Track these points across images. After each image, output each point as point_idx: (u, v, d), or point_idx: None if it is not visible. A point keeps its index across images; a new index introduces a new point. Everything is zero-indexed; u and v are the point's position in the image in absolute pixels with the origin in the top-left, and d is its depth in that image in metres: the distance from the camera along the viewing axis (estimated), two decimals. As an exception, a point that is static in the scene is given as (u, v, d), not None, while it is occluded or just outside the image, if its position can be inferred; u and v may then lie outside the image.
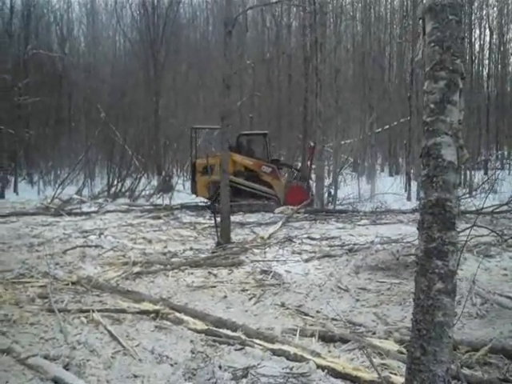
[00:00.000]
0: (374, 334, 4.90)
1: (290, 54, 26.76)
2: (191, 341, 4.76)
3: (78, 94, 30.66)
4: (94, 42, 34.44)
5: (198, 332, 4.94)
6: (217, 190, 15.03)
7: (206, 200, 16.03)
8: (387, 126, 26.01)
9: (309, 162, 16.39)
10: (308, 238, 9.98)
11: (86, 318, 5.38)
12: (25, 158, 26.85)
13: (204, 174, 15.58)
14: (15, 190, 23.06)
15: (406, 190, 18.04)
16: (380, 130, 24.49)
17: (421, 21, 2.98)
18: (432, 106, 2.83)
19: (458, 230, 2.89)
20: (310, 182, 16.19)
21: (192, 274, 7.42)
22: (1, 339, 4.77)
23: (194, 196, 16.69)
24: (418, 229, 2.95)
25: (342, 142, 21.14)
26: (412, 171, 18.89)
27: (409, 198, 16.86)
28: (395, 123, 25.92)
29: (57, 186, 19.55)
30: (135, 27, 31.48)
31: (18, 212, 15.05)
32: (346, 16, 27.10)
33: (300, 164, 20.68)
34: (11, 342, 4.68)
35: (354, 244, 9.15)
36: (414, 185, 17.72)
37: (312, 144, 16.48)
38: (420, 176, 2.97)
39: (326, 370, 4.01)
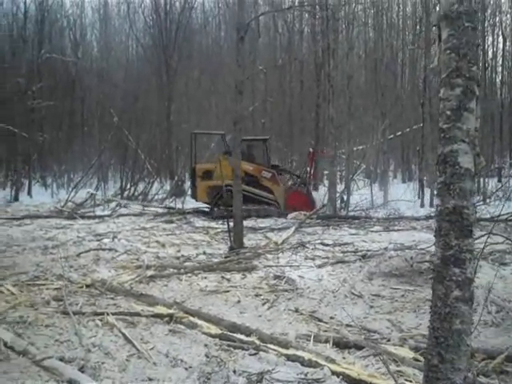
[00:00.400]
0: (389, 340, 4.89)
1: (302, 60, 26.79)
2: (205, 345, 4.78)
3: (90, 98, 30.87)
4: (106, 46, 34.65)
5: (212, 336, 4.95)
6: (216, 195, 15.09)
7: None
8: (400, 133, 25.90)
9: (308, 168, 16.37)
10: (321, 243, 9.97)
11: (100, 320, 5.42)
12: (38, 162, 27.03)
13: (204, 179, 15.63)
14: (29, 193, 23.22)
15: (419, 197, 17.96)
16: (392, 136, 24.40)
17: (435, 28, 2.99)
18: (448, 112, 2.83)
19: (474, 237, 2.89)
20: (321, 187, 16.19)
21: (205, 278, 7.44)
22: (17, 341, 4.80)
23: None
24: (434, 236, 2.94)
25: (355, 149, 21.10)
26: (425, 178, 18.80)
27: (422, 205, 16.78)
28: (408, 130, 25.81)
29: (70, 189, 19.69)
30: (148, 32, 31.63)
31: (32, 215, 15.19)
32: (358, 22, 27.08)
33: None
34: (27, 344, 4.71)
35: (368, 250, 9.13)
36: (427, 191, 17.63)
37: (311, 150, 16.48)
38: (436, 183, 2.97)
39: (340, 377, 4.02)
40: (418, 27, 26.39)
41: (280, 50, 29.77)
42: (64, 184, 25.66)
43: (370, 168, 24.38)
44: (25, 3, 28.93)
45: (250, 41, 21.79)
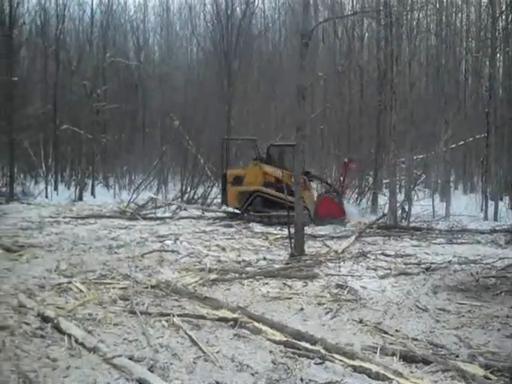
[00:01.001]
0: (457, 356, 4.77)
1: (362, 67, 26.50)
2: (270, 351, 4.78)
3: (152, 101, 31.57)
4: (168, 51, 35.35)
5: (277, 343, 4.95)
6: (247, 200, 15.22)
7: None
8: (462, 142, 25.22)
9: (342, 178, 16.16)
10: (382, 254, 9.78)
11: (166, 321, 5.51)
12: (101, 162, 27.81)
13: (234, 185, 15.70)
14: (92, 193, 23.98)
15: (481, 210, 17.42)
16: (454, 146, 23.81)
17: None
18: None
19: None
20: (380, 197, 15.91)
21: (267, 284, 7.44)
22: (87, 338, 4.95)
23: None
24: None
25: (415, 157, 20.68)
26: (488, 190, 18.22)
27: (486, 218, 16.26)
28: (470, 139, 25.11)
29: (132, 190, 20.18)
30: (209, 37, 32.05)
31: (96, 215, 15.65)
32: (421, 29, 26.62)
33: (372, 178, 20.35)
34: (97, 341, 4.85)
35: (431, 263, 8.92)
36: (490, 204, 17.06)
37: (346, 160, 16.32)
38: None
39: (410, 391, 3.95)
40: (481, 34, 25.72)
41: (340, 56, 29.54)
42: (125, 185, 26.32)
43: (430, 178, 23.86)
44: (91, 8, 30.05)
45: (311, 46, 21.68)
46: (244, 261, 9.07)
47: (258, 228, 13.71)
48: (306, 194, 15.11)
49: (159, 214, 16.09)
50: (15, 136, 21.55)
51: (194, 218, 15.62)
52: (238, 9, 29.94)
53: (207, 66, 31.16)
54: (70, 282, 7.08)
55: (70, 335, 4.99)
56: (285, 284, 7.43)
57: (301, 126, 10.22)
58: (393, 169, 15.25)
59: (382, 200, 18.06)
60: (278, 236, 12.14)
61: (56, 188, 24.45)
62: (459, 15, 29.30)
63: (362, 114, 25.07)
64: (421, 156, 22.66)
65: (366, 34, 28.92)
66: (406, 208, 15.14)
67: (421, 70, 28.88)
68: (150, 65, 34.64)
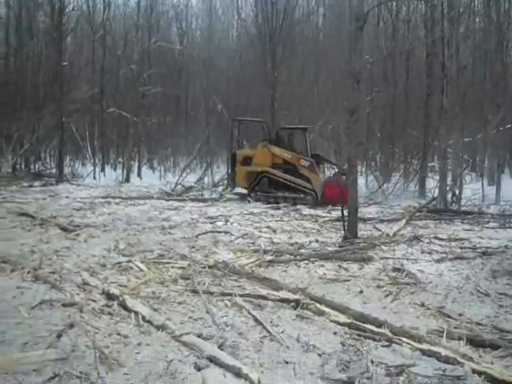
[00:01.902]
0: (525, 342, 4.70)
1: (409, 50, 25.94)
2: (334, 333, 4.79)
3: (196, 85, 31.73)
4: (210, 35, 35.40)
5: (341, 325, 4.95)
6: (254, 180, 15.58)
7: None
8: (510, 125, 24.52)
9: None
10: (435, 238, 9.64)
11: (229, 301, 5.56)
12: (146, 145, 28.16)
13: (243, 165, 15.97)
14: (139, 175, 24.36)
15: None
16: (502, 128, 23.20)
17: None
18: None
19: None
20: (428, 180, 15.57)
21: (322, 266, 7.42)
22: (154, 315, 5.04)
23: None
24: None
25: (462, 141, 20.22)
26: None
27: (535, 203, 15.81)
28: (517, 122, 24.38)
29: (179, 172, 20.42)
30: (253, 21, 31.83)
31: (145, 196, 15.89)
32: (468, 10, 25.88)
33: (420, 162, 19.99)
34: (164, 319, 4.92)
35: (487, 247, 8.78)
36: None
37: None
38: None
39: (482, 376, 3.89)
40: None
41: (385, 39, 28.96)
42: (170, 167, 26.64)
43: (476, 161, 23.37)
44: (139, -6, 30.34)
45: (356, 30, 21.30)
46: (296, 243, 9.05)
47: (305, 210, 13.71)
48: (312, 177, 15.19)
49: (206, 196, 16.25)
50: (64, 119, 21.98)
51: (241, 199, 15.77)
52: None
53: (251, 50, 31.00)
54: (129, 261, 7.16)
55: (136, 313, 5.07)
56: (340, 266, 7.41)
57: (355, 109, 10.09)
58: (443, 153, 14.98)
59: (432, 184, 17.82)
60: (327, 219, 12.11)
61: (103, 170, 24.89)
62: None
63: (407, 98, 24.65)
64: (466, 139, 22.17)
65: (413, 17, 28.26)
66: (457, 192, 14.85)
67: (466, 52, 28.16)
68: (194, 49, 34.76)
